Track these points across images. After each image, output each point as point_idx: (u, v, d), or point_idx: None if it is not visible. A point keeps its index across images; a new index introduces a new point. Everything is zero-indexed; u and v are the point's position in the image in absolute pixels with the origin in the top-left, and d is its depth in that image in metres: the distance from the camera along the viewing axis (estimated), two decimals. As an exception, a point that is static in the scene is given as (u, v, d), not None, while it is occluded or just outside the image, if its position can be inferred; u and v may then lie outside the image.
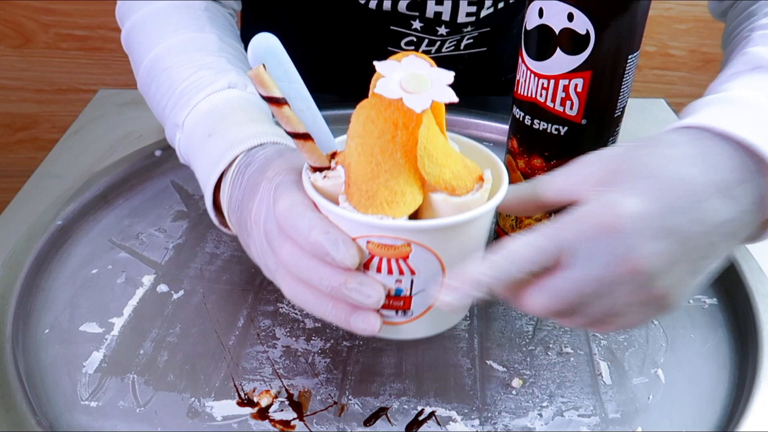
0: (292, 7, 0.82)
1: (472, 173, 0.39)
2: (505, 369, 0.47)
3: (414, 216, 0.39)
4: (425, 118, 0.36)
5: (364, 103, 0.38)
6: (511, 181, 0.51)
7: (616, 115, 0.47)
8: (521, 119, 0.48)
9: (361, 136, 0.37)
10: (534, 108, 0.47)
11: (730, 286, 0.54)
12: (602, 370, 0.47)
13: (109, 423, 0.42)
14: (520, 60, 0.47)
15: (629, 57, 0.44)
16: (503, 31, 0.80)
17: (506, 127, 0.52)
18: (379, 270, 0.38)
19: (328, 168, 0.40)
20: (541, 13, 0.44)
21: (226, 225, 0.51)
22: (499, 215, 0.54)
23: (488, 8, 0.73)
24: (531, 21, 0.45)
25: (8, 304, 0.49)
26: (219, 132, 0.50)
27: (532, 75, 0.46)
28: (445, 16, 0.73)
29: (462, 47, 0.79)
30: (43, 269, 0.54)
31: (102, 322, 0.49)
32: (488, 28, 0.77)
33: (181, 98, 0.54)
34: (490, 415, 0.44)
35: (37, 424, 0.41)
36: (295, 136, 0.39)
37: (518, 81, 0.48)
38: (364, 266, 0.38)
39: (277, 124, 0.47)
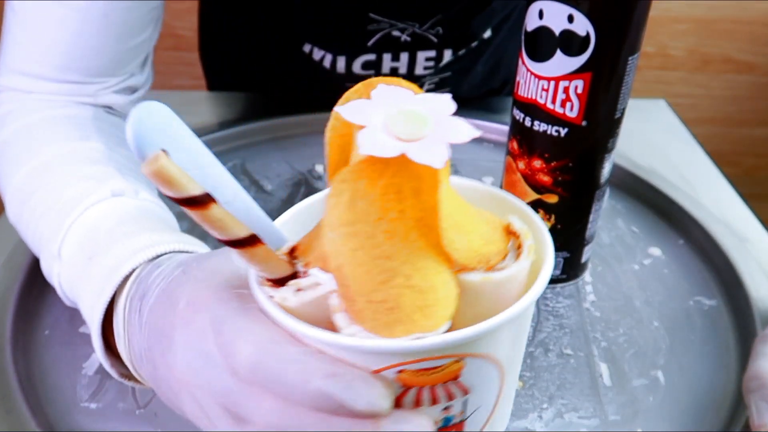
0: (248, 49, 0.81)
1: (496, 228, 0.29)
2: (505, 370, 0.47)
3: None
4: (442, 174, 0.25)
5: (343, 175, 0.25)
6: (510, 184, 0.51)
7: (616, 117, 0.47)
8: (521, 121, 0.48)
9: (350, 224, 0.25)
10: (534, 109, 0.47)
11: (729, 288, 0.54)
12: (602, 371, 0.47)
13: (109, 424, 0.42)
14: (520, 61, 0.47)
15: (629, 58, 0.44)
16: (466, 73, 0.79)
17: (506, 128, 0.52)
18: (417, 404, 0.27)
19: (294, 275, 0.28)
20: (541, 14, 0.44)
21: (129, 376, 0.39)
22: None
23: (448, 57, 0.73)
24: (531, 22, 0.45)
25: (8, 305, 0.49)
26: (101, 251, 0.38)
27: (532, 76, 0.46)
28: (402, 70, 0.72)
29: (423, 91, 0.78)
30: (42, 270, 0.54)
31: (102, 323, 0.49)
32: (449, 73, 0.76)
33: (56, 220, 0.42)
34: (490, 416, 0.44)
35: (37, 425, 0.41)
36: (235, 244, 0.26)
37: (518, 82, 0.48)
38: (395, 402, 0.27)
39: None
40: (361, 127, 0.24)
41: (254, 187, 0.65)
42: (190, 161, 0.27)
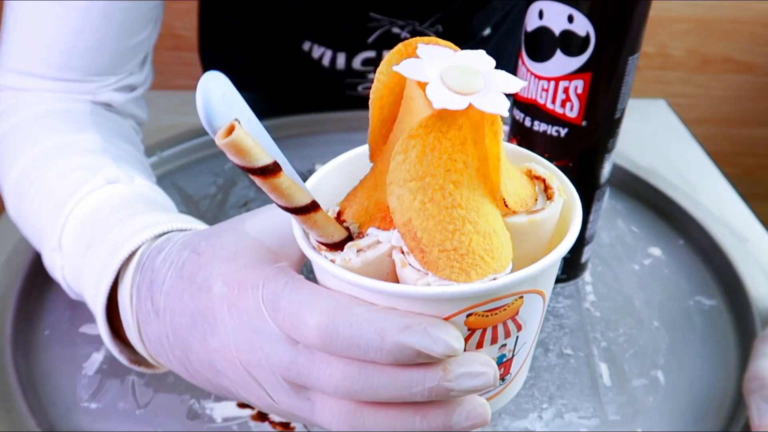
0: (247, 49, 0.81)
1: (522, 173, 0.31)
2: (505, 370, 0.47)
3: None
4: (498, 127, 0.28)
5: (413, 131, 0.26)
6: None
7: (616, 117, 0.47)
8: (521, 121, 0.48)
9: (419, 178, 0.26)
10: (534, 109, 0.47)
11: (729, 287, 0.54)
12: (602, 371, 0.47)
13: (109, 424, 0.42)
14: (520, 61, 0.47)
15: (629, 58, 0.44)
16: None
17: (506, 128, 0.52)
18: (480, 345, 0.29)
19: (349, 239, 0.29)
20: (541, 14, 0.44)
21: (139, 362, 0.40)
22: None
23: None
24: (531, 23, 0.45)
25: (8, 305, 0.49)
26: (98, 239, 0.39)
27: (532, 77, 0.46)
28: None
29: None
30: (43, 270, 0.54)
31: (102, 324, 0.49)
32: None
33: (53, 211, 0.42)
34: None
35: (37, 425, 0.41)
36: (298, 211, 0.27)
37: (518, 82, 0.48)
38: None
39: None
40: (422, 85, 0.26)
41: (254, 187, 0.65)
42: (251, 130, 0.27)
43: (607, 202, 0.64)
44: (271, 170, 0.26)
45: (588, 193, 0.50)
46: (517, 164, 0.32)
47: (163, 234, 0.38)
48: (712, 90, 1.63)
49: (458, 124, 0.26)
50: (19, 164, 0.46)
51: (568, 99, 0.45)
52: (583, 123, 0.46)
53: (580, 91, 0.45)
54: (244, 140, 0.25)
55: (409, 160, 0.26)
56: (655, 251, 0.58)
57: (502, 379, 0.31)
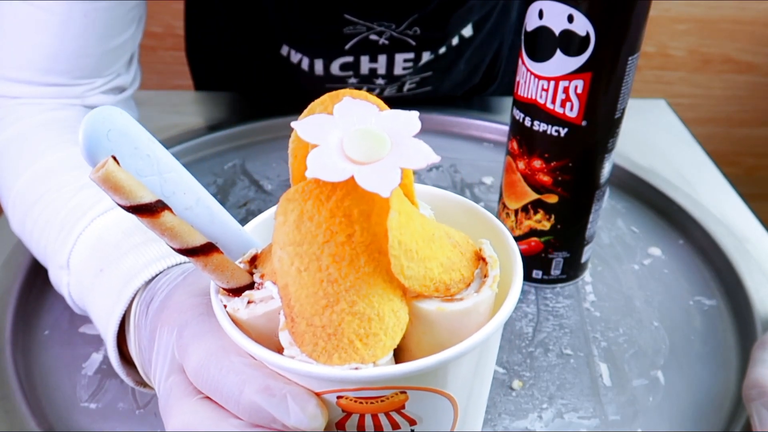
0: (229, 51, 0.81)
1: (465, 252, 0.27)
2: (505, 371, 0.47)
3: None
4: (393, 199, 0.24)
5: (290, 194, 0.25)
6: (510, 184, 0.51)
7: (616, 117, 0.47)
8: (521, 120, 0.48)
9: (297, 244, 0.24)
10: (534, 109, 0.47)
11: (729, 288, 0.54)
12: (602, 371, 0.47)
13: (108, 424, 0.42)
14: (520, 61, 0.47)
15: (629, 58, 0.44)
16: (447, 72, 0.78)
17: (506, 128, 0.52)
18: (361, 428, 0.27)
19: (251, 286, 0.28)
20: (541, 14, 0.44)
21: (144, 384, 0.40)
22: (498, 214, 0.54)
23: (427, 58, 0.73)
24: (531, 22, 0.45)
25: (8, 305, 0.49)
26: (112, 264, 0.39)
27: (532, 76, 0.46)
28: (381, 71, 0.72)
29: (405, 90, 0.78)
30: (43, 270, 0.54)
31: (102, 324, 0.49)
32: (430, 72, 0.76)
33: (62, 230, 0.42)
34: (489, 416, 0.43)
35: (37, 425, 0.41)
36: (189, 252, 0.26)
37: (518, 82, 0.48)
38: (337, 425, 0.27)
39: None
40: (314, 146, 0.23)
41: (254, 187, 0.65)
42: (148, 167, 0.27)
43: (607, 202, 0.64)
44: (149, 209, 0.24)
45: (588, 193, 0.50)
46: (477, 227, 0.30)
47: (177, 265, 0.38)
48: (712, 90, 1.63)
49: (340, 195, 0.24)
50: (22, 180, 0.46)
51: (568, 99, 0.45)
52: (583, 123, 0.46)
53: (580, 91, 0.45)
54: (116, 176, 0.23)
55: (288, 223, 0.24)
56: (655, 251, 0.58)
57: None
